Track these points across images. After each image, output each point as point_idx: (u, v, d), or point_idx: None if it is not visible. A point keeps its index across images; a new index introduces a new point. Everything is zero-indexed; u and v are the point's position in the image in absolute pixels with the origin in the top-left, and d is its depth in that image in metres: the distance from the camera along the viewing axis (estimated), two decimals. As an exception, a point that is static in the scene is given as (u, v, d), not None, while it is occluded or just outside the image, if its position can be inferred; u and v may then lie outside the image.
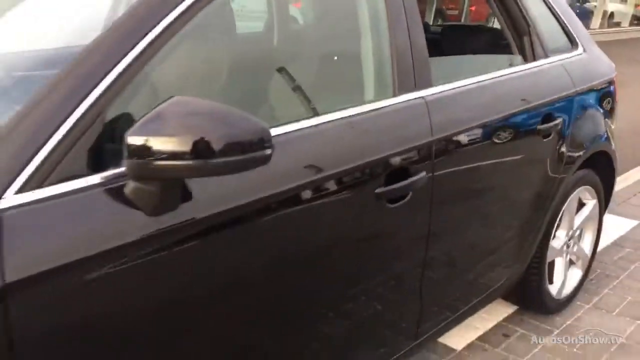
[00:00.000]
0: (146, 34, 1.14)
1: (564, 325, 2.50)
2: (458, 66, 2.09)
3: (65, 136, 1.02)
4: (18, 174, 0.97)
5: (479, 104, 1.87)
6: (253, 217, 1.23)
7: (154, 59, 1.15)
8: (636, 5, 21.17)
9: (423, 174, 1.60)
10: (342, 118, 1.44)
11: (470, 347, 2.34)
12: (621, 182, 4.39)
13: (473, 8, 15.77)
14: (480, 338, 2.40)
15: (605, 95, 2.57)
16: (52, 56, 1.50)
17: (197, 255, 1.15)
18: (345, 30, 1.69)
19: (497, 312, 2.57)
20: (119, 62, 1.10)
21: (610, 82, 2.63)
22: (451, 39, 2.43)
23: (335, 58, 1.80)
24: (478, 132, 1.83)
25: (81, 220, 1.02)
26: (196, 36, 1.28)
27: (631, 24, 20.34)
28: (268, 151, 1.07)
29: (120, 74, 1.09)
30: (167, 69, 1.20)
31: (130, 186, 1.05)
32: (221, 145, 1.02)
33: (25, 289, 0.93)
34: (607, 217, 3.53)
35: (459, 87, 1.81)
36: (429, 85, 1.70)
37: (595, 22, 18.76)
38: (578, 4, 19.38)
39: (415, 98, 1.65)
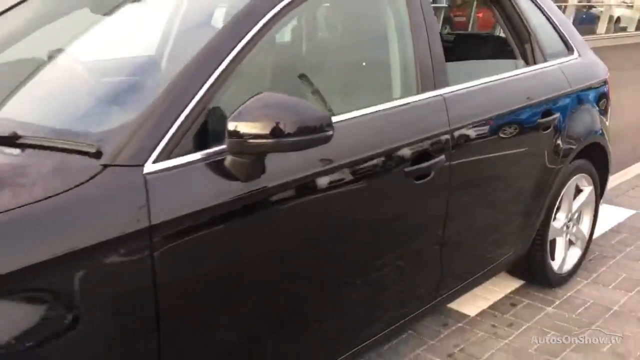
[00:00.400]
0: (230, 51, 1.51)
1: (565, 297, 2.84)
2: (469, 69, 2.45)
3: (182, 123, 1.39)
4: (153, 150, 1.34)
5: (488, 101, 2.23)
6: (316, 184, 1.60)
7: (238, 68, 1.52)
8: (642, 10, 21.39)
9: (442, 157, 1.96)
10: (378, 111, 1.82)
11: (482, 314, 2.69)
12: (621, 177, 4.73)
13: (480, 15, 16.10)
14: (491, 307, 2.75)
15: (599, 94, 2.92)
16: (125, 64, 1.89)
17: (277, 212, 1.52)
18: (379, 41, 2.05)
19: (505, 286, 2.92)
20: (214, 71, 1.47)
21: (604, 83, 2.97)
22: (463, 47, 2.79)
23: (364, 64, 2.16)
24: (487, 124, 2.19)
25: (195, 182, 1.38)
26: (267, 48, 1.66)
27: (637, 29, 20.55)
28: (330, 132, 1.43)
29: (216, 80, 1.46)
30: (249, 74, 1.57)
31: (228, 159, 1.42)
32: (293, 129, 1.38)
33: (163, 229, 1.30)
34: (606, 207, 3.89)
35: (470, 86, 2.17)
36: (446, 85, 2.06)
37: (602, 27, 19.02)
38: (584, 10, 19.68)
39: (435, 96, 2.01)
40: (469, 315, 2.66)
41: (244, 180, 1.43)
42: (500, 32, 2.86)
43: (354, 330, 1.93)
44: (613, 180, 4.58)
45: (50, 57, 1.79)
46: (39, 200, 1.17)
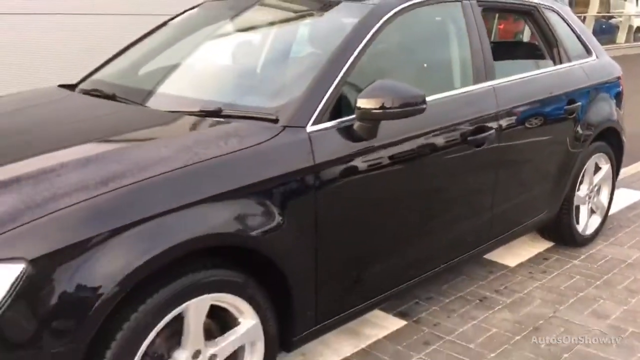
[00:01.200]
0: (351, 54, 2.21)
1: (588, 253, 3.48)
2: (511, 67, 3.12)
3: (327, 100, 2.08)
4: (310, 117, 2.03)
5: (526, 91, 2.91)
6: (415, 143, 2.30)
7: (358, 65, 2.22)
8: (661, 20, 21.75)
9: (493, 131, 2.64)
10: (449, 95, 2.51)
11: (520, 265, 3.33)
12: (637, 167, 5.36)
13: (501, 27, 16.70)
14: (527, 260, 3.39)
15: (614, 89, 3.58)
16: (246, 71, 2.63)
17: (388, 161, 2.21)
18: (445, 45, 2.75)
19: (538, 246, 3.56)
20: (343, 66, 2.17)
21: (618, 79, 3.63)
22: (504, 50, 3.46)
23: (425, 65, 2.85)
24: (526, 107, 2.86)
25: (336, 138, 2.08)
26: (375, 50, 2.35)
27: (657, 38, 20.95)
28: (424, 106, 2.12)
29: (347, 70, 2.16)
30: (365, 67, 2.27)
31: (356, 124, 2.11)
32: (398, 103, 2.07)
33: (321, 166, 1.99)
34: (624, 190, 4.52)
35: (512, 80, 2.86)
36: (494, 78, 2.74)
37: (621, 36, 19.47)
38: (604, 20, 20.15)
39: (487, 86, 2.70)
40: (510, 266, 3.31)
41: (366, 139, 2.12)
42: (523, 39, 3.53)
43: (426, 260, 2.60)
44: (630, 170, 5.23)
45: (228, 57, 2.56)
46: (254, 145, 1.89)
